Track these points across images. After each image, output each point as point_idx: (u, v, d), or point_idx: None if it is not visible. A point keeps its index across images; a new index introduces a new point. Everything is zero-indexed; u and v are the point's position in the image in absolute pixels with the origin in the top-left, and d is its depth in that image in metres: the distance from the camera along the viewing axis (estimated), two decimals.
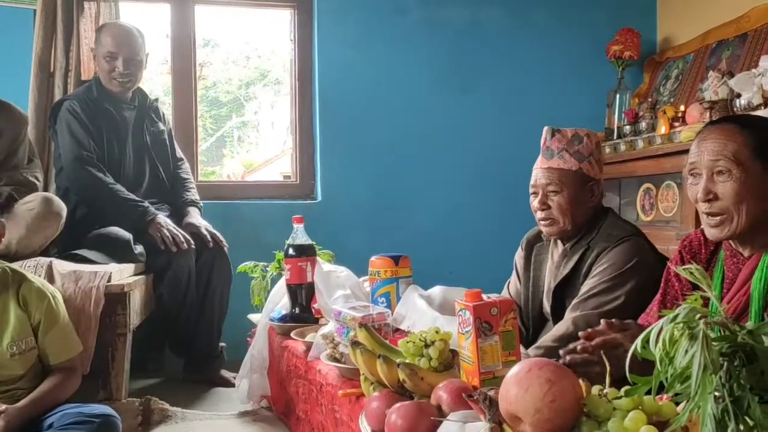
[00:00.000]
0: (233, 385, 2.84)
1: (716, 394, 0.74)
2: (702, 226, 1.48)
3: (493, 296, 1.32)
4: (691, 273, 0.85)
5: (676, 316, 0.76)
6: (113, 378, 2.26)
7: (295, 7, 3.71)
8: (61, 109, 2.86)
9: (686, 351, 0.72)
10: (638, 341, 0.80)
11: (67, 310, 2.02)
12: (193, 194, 3.11)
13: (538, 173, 1.92)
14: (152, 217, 2.79)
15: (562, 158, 1.87)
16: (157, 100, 3.17)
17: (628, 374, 0.82)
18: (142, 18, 3.74)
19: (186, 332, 2.91)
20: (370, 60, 3.67)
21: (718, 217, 1.40)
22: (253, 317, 2.73)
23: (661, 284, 1.64)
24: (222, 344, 3.03)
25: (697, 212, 2.68)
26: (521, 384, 0.98)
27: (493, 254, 3.53)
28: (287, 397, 2.23)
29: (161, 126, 3.11)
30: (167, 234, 2.75)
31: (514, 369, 1.02)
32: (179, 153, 3.22)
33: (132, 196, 2.83)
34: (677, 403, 0.97)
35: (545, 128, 1.93)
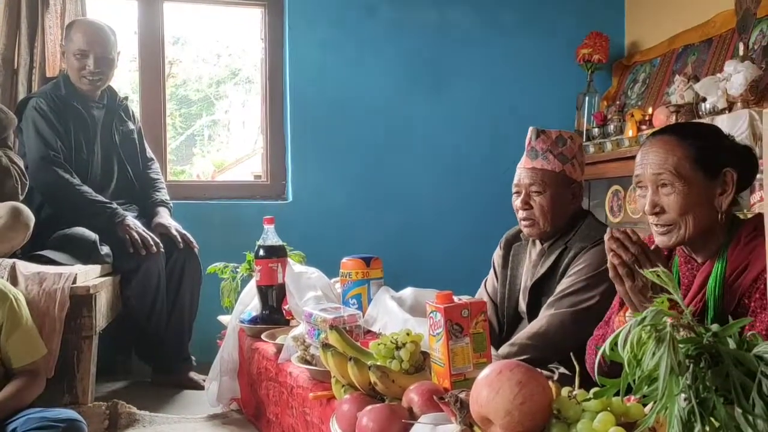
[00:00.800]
0: (203, 388, 2.80)
1: (683, 395, 0.76)
2: (652, 234, 1.50)
3: (464, 298, 1.33)
4: (657, 275, 0.86)
5: (643, 319, 0.77)
6: (78, 381, 2.21)
7: (265, 6, 3.68)
8: (27, 107, 2.79)
9: (653, 353, 0.73)
10: (606, 344, 0.81)
11: (30, 313, 1.97)
12: (163, 194, 3.06)
13: (521, 173, 1.93)
14: (121, 218, 2.74)
15: (546, 159, 1.89)
16: (126, 98, 3.11)
17: (596, 377, 0.82)
18: (109, 14, 3.67)
19: (155, 335, 2.86)
20: (341, 60, 3.66)
21: (665, 227, 1.43)
22: (223, 319, 2.70)
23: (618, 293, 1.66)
24: (193, 357, 3.00)
25: None
26: (492, 386, 0.99)
27: (464, 255, 3.56)
28: (257, 400, 2.21)
29: (131, 125, 3.05)
30: (136, 237, 2.71)
31: (485, 371, 1.03)
32: (149, 153, 3.17)
33: (100, 197, 2.78)
34: (645, 405, 0.98)
35: (530, 129, 1.94)
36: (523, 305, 2.00)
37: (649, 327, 0.74)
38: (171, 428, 2.31)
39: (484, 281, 2.23)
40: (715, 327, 0.80)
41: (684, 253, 1.52)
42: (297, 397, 1.78)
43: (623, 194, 3.10)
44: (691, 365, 0.76)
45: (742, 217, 1.54)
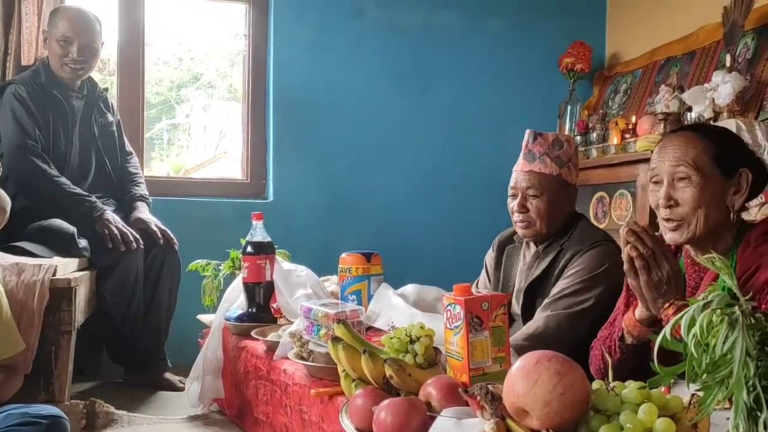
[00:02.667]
0: (180, 389, 2.72)
1: (747, 383, 0.73)
2: (661, 231, 1.50)
3: (483, 291, 1.30)
4: (713, 262, 0.84)
5: (708, 303, 0.75)
6: (56, 378, 2.11)
7: (250, 3, 3.62)
8: (5, 93, 2.68)
9: (726, 337, 0.70)
10: (666, 330, 0.79)
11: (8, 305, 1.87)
12: (142, 189, 2.97)
13: (518, 176, 1.92)
14: (100, 212, 2.65)
15: (543, 162, 1.88)
16: (106, 89, 3.02)
17: (655, 363, 0.80)
18: (88, 5, 3.56)
19: (130, 334, 2.76)
20: (326, 59, 3.62)
21: (676, 223, 1.43)
22: (205, 318, 2.62)
23: (622, 294, 1.64)
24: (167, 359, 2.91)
25: (650, 221, 2.77)
26: (530, 376, 0.95)
27: (446, 255, 3.55)
28: (243, 400, 2.14)
29: (110, 117, 2.96)
30: (116, 232, 2.62)
31: (520, 362, 0.99)
32: (128, 147, 3.07)
33: (78, 190, 2.68)
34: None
35: (528, 131, 1.94)
36: (516, 307, 1.99)
37: (719, 311, 0.72)
38: (150, 429, 2.22)
39: (475, 282, 2.22)
40: None
41: (690, 255, 1.52)
42: (293, 395, 1.72)
43: (608, 201, 3.12)
44: (756, 351, 0.75)
45: (747, 218, 1.55)
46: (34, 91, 2.70)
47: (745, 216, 1.77)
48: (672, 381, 1.06)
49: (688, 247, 1.52)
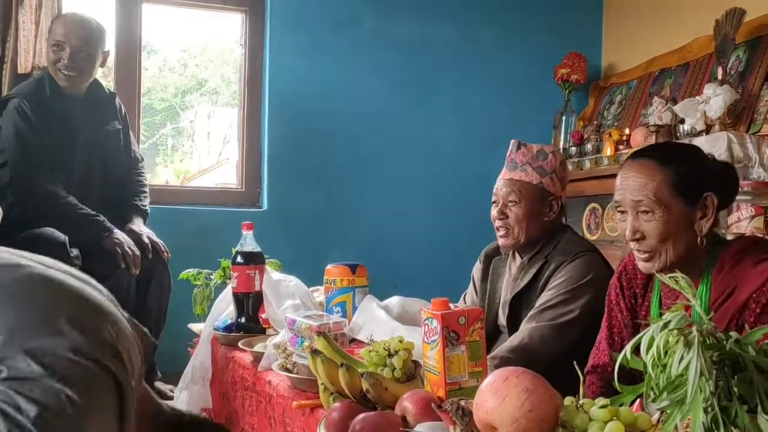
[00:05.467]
0: (170, 398, 2.71)
1: (705, 403, 0.74)
2: (635, 259, 1.49)
3: (460, 305, 1.30)
4: (676, 281, 0.84)
5: (667, 323, 0.75)
6: None
7: (247, 12, 3.64)
8: (8, 108, 2.67)
9: (681, 357, 0.71)
10: (627, 349, 0.79)
11: None
12: (142, 200, 2.96)
13: (500, 184, 1.94)
14: (109, 232, 2.69)
15: (525, 171, 1.90)
16: (114, 95, 3.00)
17: (616, 384, 0.80)
18: (84, 10, 3.58)
19: None
20: (322, 69, 3.63)
21: (647, 254, 1.42)
22: (195, 327, 2.62)
23: (605, 316, 1.65)
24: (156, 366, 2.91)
25: None
26: (499, 393, 0.96)
27: (442, 267, 3.55)
28: (230, 410, 2.14)
29: (117, 124, 2.93)
30: (128, 252, 2.68)
31: (490, 378, 1.00)
32: (136, 153, 3.06)
33: (87, 210, 2.69)
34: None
35: (512, 141, 1.95)
36: (502, 319, 1.99)
37: (676, 331, 0.73)
38: None
39: (463, 295, 2.22)
40: (734, 334, 0.79)
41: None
42: (277, 407, 1.72)
43: (601, 212, 3.12)
44: (714, 372, 0.75)
45: (721, 236, 1.54)
46: (38, 106, 2.68)
47: (734, 229, 1.76)
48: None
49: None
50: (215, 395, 2.30)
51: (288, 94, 3.58)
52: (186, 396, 2.37)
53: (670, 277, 0.84)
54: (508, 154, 1.95)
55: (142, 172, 3.06)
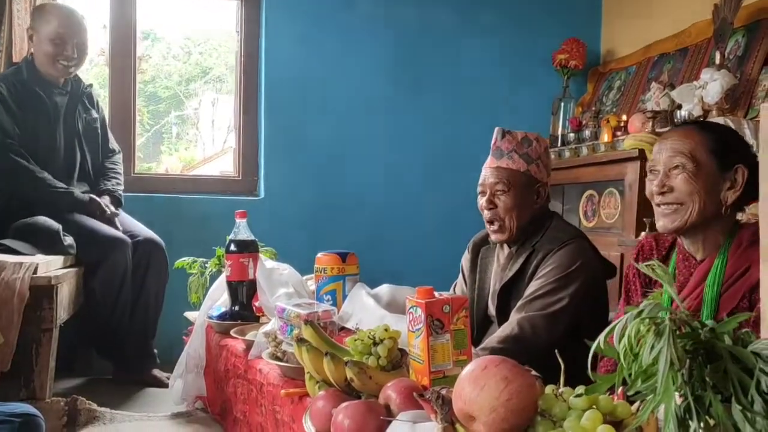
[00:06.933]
0: (167, 386, 2.72)
1: (679, 392, 0.73)
2: (655, 220, 1.52)
3: (445, 294, 1.29)
4: (653, 269, 0.83)
5: (640, 312, 0.74)
6: (36, 376, 2.12)
7: None
8: None
9: (652, 347, 0.70)
10: (600, 338, 0.78)
11: None
12: (113, 184, 2.96)
13: (486, 172, 1.92)
14: (88, 199, 2.74)
15: (511, 159, 1.88)
16: (91, 86, 3.01)
17: (589, 372, 0.79)
18: (78, 3, 3.57)
19: (118, 330, 2.78)
20: (319, 55, 3.61)
21: (672, 206, 1.46)
22: (191, 315, 2.63)
23: (622, 297, 1.68)
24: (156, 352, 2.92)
25: (638, 219, 2.76)
26: (477, 382, 0.95)
27: (438, 254, 3.53)
28: (224, 398, 2.15)
29: (94, 113, 2.96)
30: (110, 211, 2.77)
31: (470, 366, 0.99)
32: (113, 144, 3.08)
33: (61, 184, 2.72)
34: (632, 402, 0.96)
35: (496, 129, 1.93)
36: (492, 309, 1.98)
37: (647, 320, 0.72)
38: (132, 426, 2.23)
39: (453, 285, 2.21)
40: (711, 322, 0.78)
41: (683, 250, 1.53)
42: (267, 395, 1.72)
43: (597, 199, 3.10)
44: (688, 361, 0.74)
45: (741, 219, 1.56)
46: (15, 88, 2.71)
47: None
48: None
49: (681, 241, 1.53)
50: (209, 383, 2.31)
51: (285, 82, 3.56)
52: (181, 384, 2.38)
53: (646, 266, 0.83)
54: (493, 142, 1.93)
55: (117, 162, 3.08)
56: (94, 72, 4.81)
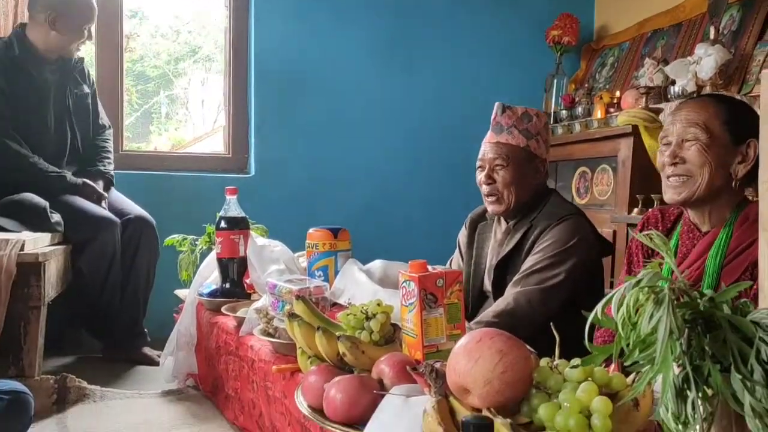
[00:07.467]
0: (157, 364, 2.71)
1: (677, 362, 0.72)
2: (663, 192, 1.52)
3: (439, 268, 1.28)
4: (651, 239, 0.82)
5: (639, 281, 0.73)
6: (25, 354, 2.10)
7: None
8: None
9: (651, 316, 0.68)
10: (598, 308, 0.77)
11: None
12: (105, 165, 2.93)
13: (486, 147, 1.90)
14: (80, 183, 2.72)
15: (511, 134, 1.85)
16: (82, 60, 2.95)
17: (586, 343, 0.78)
18: None
19: (108, 308, 2.75)
20: (308, 31, 3.56)
21: (681, 179, 1.45)
22: (181, 293, 2.61)
23: (623, 269, 1.68)
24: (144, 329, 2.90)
25: (630, 196, 2.75)
26: (471, 355, 0.94)
27: (430, 231, 3.53)
28: (215, 375, 2.14)
29: (85, 88, 2.91)
30: (103, 195, 2.76)
31: (464, 339, 0.98)
32: (103, 119, 3.03)
33: (53, 168, 2.69)
34: (628, 373, 0.95)
35: (496, 104, 1.90)
36: (488, 284, 1.97)
37: (646, 289, 0.70)
38: (123, 404, 2.22)
39: (449, 261, 2.19)
40: (709, 291, 0.77)
41: (688, 221, 1.53)
42: (258, 371, 1.71)
43: (590, 176, 3.09)
44: (687, 330, 0.73)
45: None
46: (5, 65, 2.64)
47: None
48: None
49: (687, 213, 1.53)
50: (200, 361, 2.30)
51: (274, 58, 3.51)
52: (171, 362, 2.37)
53: (645, 235, 0.82)
54: (492, 117, 1.90)
55: (108, 139, 3.03)
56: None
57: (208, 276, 2.36)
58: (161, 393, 2.33)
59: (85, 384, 2.22)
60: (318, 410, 1.17)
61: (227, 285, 2.25)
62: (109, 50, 3.39)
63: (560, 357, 1.01)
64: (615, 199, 2.89)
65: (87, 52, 3.15)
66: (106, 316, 2.77)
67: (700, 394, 0.72)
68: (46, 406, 2.07)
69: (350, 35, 3.62)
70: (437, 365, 1.03)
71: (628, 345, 0.72)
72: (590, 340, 0.81)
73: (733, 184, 1.43)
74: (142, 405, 2.22)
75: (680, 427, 0.71)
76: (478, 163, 1.91)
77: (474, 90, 3.72)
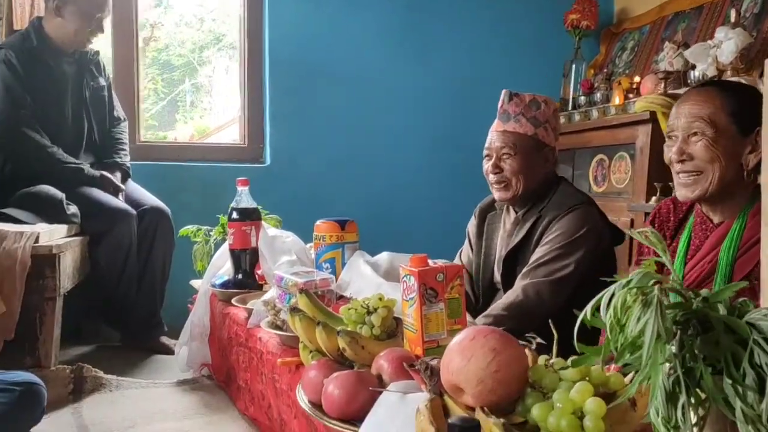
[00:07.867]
0: (174, 353, 2.74)
1: (668, 364, 0.70)
2: (674, 188, 1.48)
3: (440, 262, 1.26)
4: (646, 236, 0.79)
5: (629, 281, 0.71)
6: (41, 344, 2.13)
7: None
8: None
9: (638, 318, 0.66)
10: (588, 308, 0.75)
11: None
12: (121, 156, 2.95)
13: (493, 136, 1.86)
14: (99, 174, 2.75)
15: (518, 122, 1.82)
16: (98, 53, 2.97)
17: (576, 343, 0.76)
18: None
19: (125, 299, 2.79)
20: (323, 20, 3.53)
21: (692, 176, 1.40)
22: (196, 283, 2.63)
23: (634, 261, 1.65)
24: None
25: (648, 184, 2.70)
26: (464, 353, 0.93)
27: (444, 222, 3.50)
28: (228, 366, 2.15)
29: (102, 81, 2.93)
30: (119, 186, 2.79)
31: (458, 337, 0.97)
32: (118, 112, 3.05)
33: (72, 159, 2.71)
34: (625, 374, 0.93)
35: (503, 91, 1.86)
36: (498, 276, 1.94)
37: (635, 290, 0.68)
38: (138, 393, 2.25)
39: (459, 252, 2.17)
40: (704, 292, 0.74)
41: (701, 213, 1.49)
42: (267, 363, 1.72)
43: (608, 163, 3.04)
44: (679, 332, 0.71)
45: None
46: (25, 57, 2.66)
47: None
48: None
49: (699, 206, 1.49)
50: (214, 351, 2.32)
51: (289, 47, 3.50)
52: (186, 352, 2.39)
53: (639, 232, 0.79)
54: (499, 104, 1.87)
55: (124, 131, 3.05)
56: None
57: (221, 267, 2.38)
58: (176, 382, 2.35)
59: (101, 373, 2.25)
60: (318, 405, 1.17)
61: (239, 276, 2.26)
62: (124, 38, 3.40)
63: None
64: (633, 187, 2.84)
65: (103, 44, 3.17)
66: (123, 307, 2.80)
67: (692, 399, 0.70)
68: (62, 395, 2.10)
69: (365, 21, 3.58)
70: (433, 362, 1.02)
71: (617, 348, 0.70)
72: (582, 337, 0.79)
73: (745, 174, 1.39)
74: (157, 394, 2.25)
75: (671, 431, 0.69)
76: (485, 152, 1.88)
77: (490, 76, 3.66)
